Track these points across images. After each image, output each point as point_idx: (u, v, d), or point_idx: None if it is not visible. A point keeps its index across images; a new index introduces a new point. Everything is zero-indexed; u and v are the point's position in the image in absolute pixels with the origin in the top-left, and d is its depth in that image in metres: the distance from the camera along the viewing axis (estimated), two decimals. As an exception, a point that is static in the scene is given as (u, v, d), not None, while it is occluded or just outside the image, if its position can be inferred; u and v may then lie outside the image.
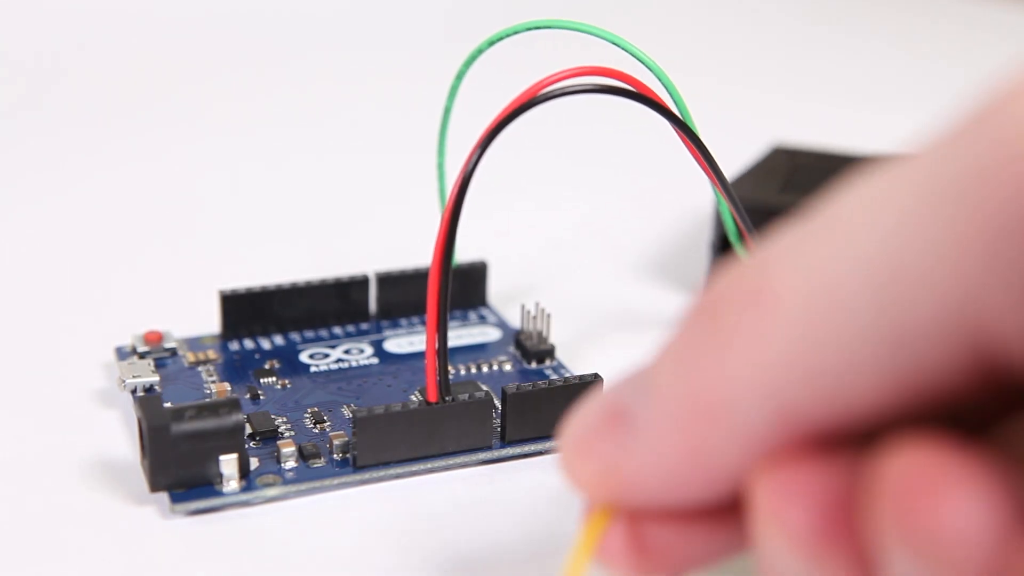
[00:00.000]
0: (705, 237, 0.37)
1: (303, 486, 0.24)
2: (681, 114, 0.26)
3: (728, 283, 0.15)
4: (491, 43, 0.27)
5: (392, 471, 0.25)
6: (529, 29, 0.27)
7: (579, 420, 0.17)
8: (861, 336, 0.13)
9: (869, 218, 0.13)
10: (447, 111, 0.29)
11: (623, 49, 0.25)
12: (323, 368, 0.29)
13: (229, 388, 0.28)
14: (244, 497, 0.24)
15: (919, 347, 0.13)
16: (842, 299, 0.13)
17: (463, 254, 0.32)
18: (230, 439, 0.23)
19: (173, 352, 0.29)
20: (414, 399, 0.28)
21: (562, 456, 0.17)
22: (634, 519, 0.16)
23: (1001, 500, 0.13)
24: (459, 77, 0.28)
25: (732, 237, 0.31)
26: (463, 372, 0.29)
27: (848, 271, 0.13)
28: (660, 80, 0.26)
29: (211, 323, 0.31)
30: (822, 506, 0.14)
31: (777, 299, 0.14)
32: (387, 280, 0.31)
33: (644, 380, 0.16)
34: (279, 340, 0.30)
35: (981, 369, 0.13)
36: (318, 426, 0.26)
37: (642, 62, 0.26)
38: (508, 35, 0.27)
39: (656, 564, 0.17)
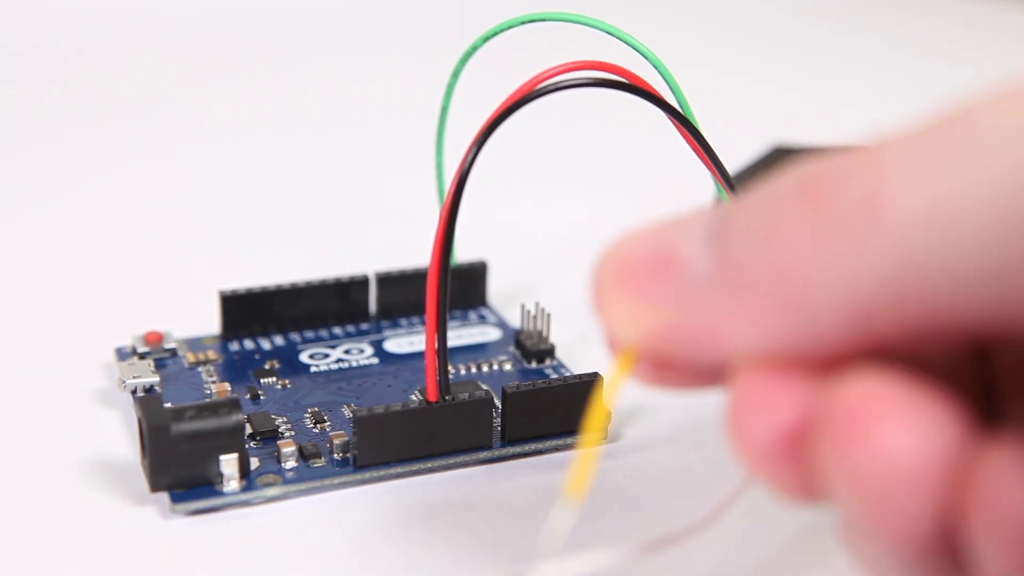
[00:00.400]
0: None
1: (303, 486, 0.24)
2: (680, 106, 0.26)
3: (837, 173, 0.13)
4: (486, 39, 0.27)
5: (392, 471, 0.25)
6: (524, 23, 0.27)
7: (624, 250, 0.15)
8: (974, 270, 0.12)
9: (1007, 137, 0.12)
10: (444, 109, 0.29)
11: (621, 40, 0.25)
12: (323, 368, 0.29)
13: (229, 388, 0.28)
14: (244, 497, 0.24)
15: None
16: (963, 227, 0.12)
17: (463, 254, 0.32)
18: (230, 439, 0.23)
19: (173, 352, 0.29)
20: (414, 399, 0.28)
21: (596, 285, 0.15)
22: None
23: (947, 430, 0.12)
24: (455, 75, 0.28)
25: None
26: (463, 372, 0.29)
27: (975, 197, 0.12)
28: (659, 72, 0.25)
29: (211, 323, 0.31)
30: (782, 425, 0.14)
31: (894, 210, 0.13)
32: (387, 280, 0.31)
33: (712, 233, 0.14)
34: (279, 340, 0.30)
35: None
36: (318, 426, 0.26)
37: (641, 53, 0.25)
38: (503, 30, 0.27)
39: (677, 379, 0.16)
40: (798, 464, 0.14)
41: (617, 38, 0.26)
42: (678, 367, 0.15)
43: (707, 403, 0.29)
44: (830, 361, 0.14)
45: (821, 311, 0.13)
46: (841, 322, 0.13)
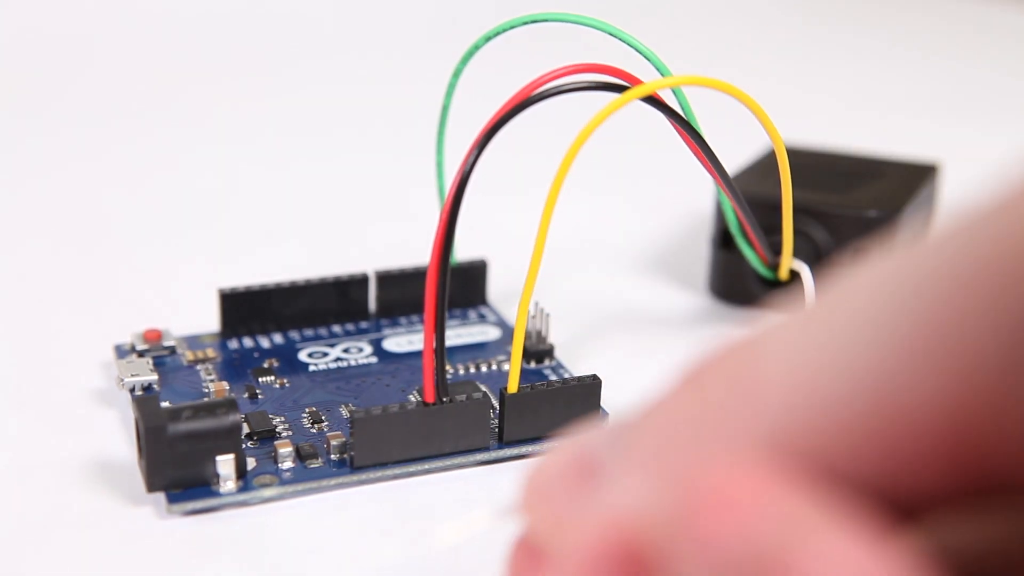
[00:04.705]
0: (705, 236, 0.37)
1: (300, 487, 0.24)
2: (681, 108, 0.26)
3: (717, 359, 0.14)
4: (488, 39, 0.27)
5: (389, 472, 0.25)
6: (526, 23, 0.27)
7: (547, 462, 0.16)
8: (840, 427, 0.13)
9: (865, 303, 0.13)
10: (445, 109, 0.29)
11: (623, 41, 0.25)
12: (322, 367, 0.29)
13: (227, 387, 0.28)
14: (241, 497, 0.24)
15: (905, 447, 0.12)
16: (826, 392, 0.13)
17: (463, 253, 0.32)
18: (227, 439, 0.23)
19: (172, 350, 0.29)
20: (412, 399, 0.28)
21: (523, 495, 0.16)
22: None
23: None
24: (456, 75, 0.28)
25: (733, 228, 0.30)
26: (462, 372, 0.29)
27: (835, 360, 0.13)
28: (661, 73, 0.25)
29: (210, 321, 0.31)
30: None
31: (764, 383, 0.13)
32: (387, 279, 0.31)
33: (622, 438, 0.15)
34: (278, 339, 0.30)
35: (964, 467, 0.13)
36: (316, 426, 0.26)
37: (642, 54, 0.25)
38: (505, 30, 0.27)
39: None
40: None
41: (619, 39, 0.25)
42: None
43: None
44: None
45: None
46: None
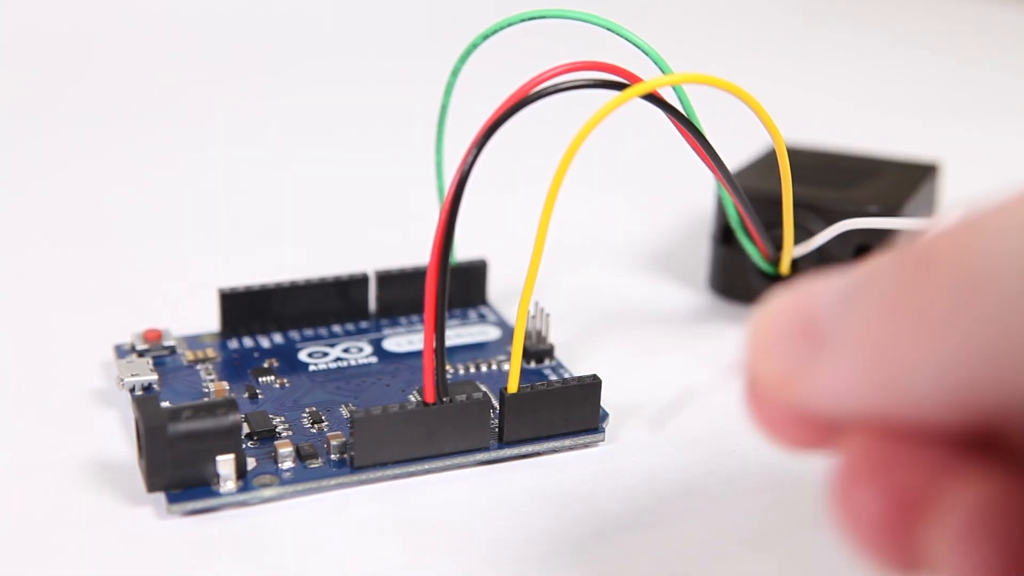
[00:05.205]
0: (705, 234, 0.37)
1: (300, 487, 0.24)
2: (682, 105, 0.26)
3: (947, 238, 0.14)
4: (486, 36, 0.27)
5: (389, 472, 0.25)
6: (525, 20, 0.27)
7: (770, 319, 0.16)
8: None
9: None
10: (444, 108, 0.29)
11: (622, 37, 0.25)
12: (322, 367, 0.29)
13: (227, 387, 0.28)
14: (241, 497, 0.24)
15: None
16: None
17: (463, 252, 0.32)
18: (227, 439, 0.23)
19: (172, 350, 0.29)
20: (412, 399, 0.28)
21: (748, 348, 0.17)
22: None
23: None
24: (455, 73, 0.28)
25: (734, 223, 0.30)
26: (462, 371, 0.29)
27: None
28: (661, 69, 0.25)
29: (210, 321, 0.31)
30: (892, 502, 0.14)
31: (990, 281, 0.13)
32: (387, 278, 0.31)
33: (848, 299, 0.15)
34: (278, 338, 0.30)
35: None
36: (316, 426, 0.26)
37: (642, 49, 0.25)
38: (504, 27, 0.27)
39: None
40: (904, 540, 0.14)
41: (618, 35, 0.25)
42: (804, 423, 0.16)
43: (706, 403, 0.29)
44: (954, 437, 0.15)
45: (924, 384, 0.14)
46: (945, 396, 0.14)
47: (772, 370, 0.16)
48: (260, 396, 0.27)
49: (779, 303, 0.16)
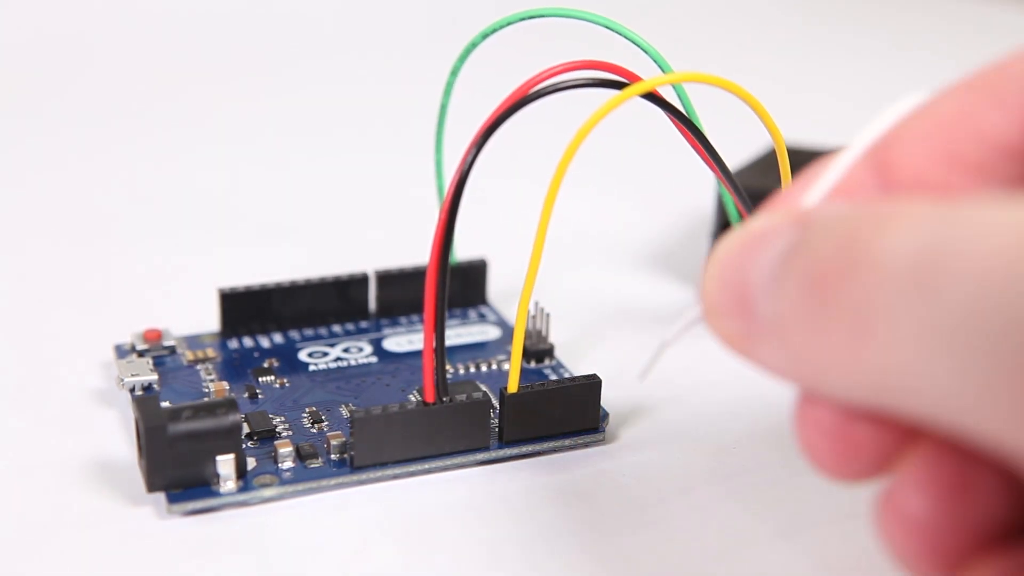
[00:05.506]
0: (705, 233, 0.37)
1: (300, 486, 0.24)
2: (682, 104, 0.26)
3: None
4: (485, 35, 0.27)
5: (389, 472, 0.25)
6: (524, 19, 0.27)
7: (713, 288, 0.17)
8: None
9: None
10: (443, 107, 0.29)
11: (622, 36, 0.25)
12: (322, 367, 0.29)
13: (227, 387, 0.28)
14: (241, 497, 0.24)
15: None
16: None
17: (463, 252, 0.32)
18: (227, 439, 0.23)
19: (172, 350, 0.29)
20: (412, 399, 0.27)
21: (703, 309, 0.17)
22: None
23: None
24: (454, 72, 0.28)
25: (735, 221, 0.30)
26: (462, 371, 0.29)
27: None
28: (661, 68, 0.25)
29: (211, 321, 0.31)
30: (932, 540, 0.15)
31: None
32: (387, 278, 0.31)
33: (774, 280, 0.16)
34: (278, 338, 0.30)
35: None
36: (316, 426, 0.26)
37: (642, 48, 0.25)
38: (503, 26, 0.27)
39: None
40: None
41: (617, 33, 0.25)
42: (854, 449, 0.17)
43: (706, 403, 0.29)
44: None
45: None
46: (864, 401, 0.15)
47: (726, 331, 0.17)
48: (260, 396, 0.27)
49: (719, 270, 0.17)
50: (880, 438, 0.16)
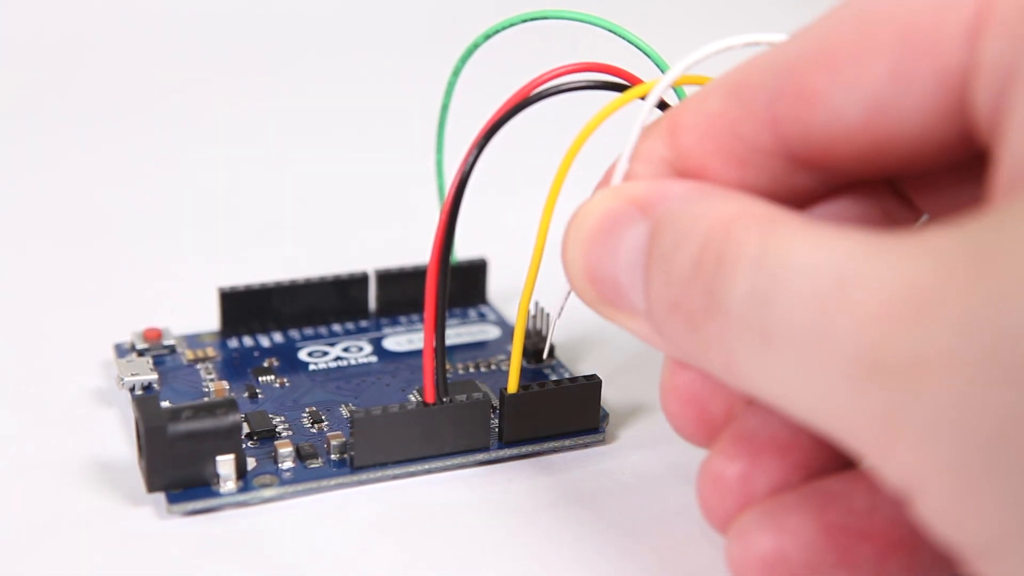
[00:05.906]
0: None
1: (300, 487, 0.24)
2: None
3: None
4: (487, 36, 0.27)
5: (389, 472, 0.25)
6: (526, 21, 0.27)
7: (580, 281, 0.20)
8: None
9: None
10: (444, 108, 0.29)
11: (623, 38, 0.25)
12: (322, 366, 0.29)
13: (227, 387, 0.28)
14: (241, 498, 0.24)
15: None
16: None
17: (463, 252, 0.32)
18: (227, 439, 0.23)
19: (172, 349, 0.29)
20: (412, 399, 0.28)
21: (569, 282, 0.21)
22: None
23: None
24: (455, 73, 0.28)
25: None
26: (462, 371, 0.29)
27: None
28: (661, 70, 0.25)
29: (210, 320, 0.31)
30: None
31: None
32: (387, 277, 0.31)
33: (639, 269, 0.19)
34: (278, 337, 0.30)
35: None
36: (316, 426, 0.26)
37: (643, 51, 0.25)
38: (505, 27, 0.27)
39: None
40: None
41: (620, 36, 0.25)
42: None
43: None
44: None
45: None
46: None
47: (600, 312, 0.20)
48: (260, 396, 0.27)
49: (581, 262, 0.20)
50: (729, 409, 0.19)
